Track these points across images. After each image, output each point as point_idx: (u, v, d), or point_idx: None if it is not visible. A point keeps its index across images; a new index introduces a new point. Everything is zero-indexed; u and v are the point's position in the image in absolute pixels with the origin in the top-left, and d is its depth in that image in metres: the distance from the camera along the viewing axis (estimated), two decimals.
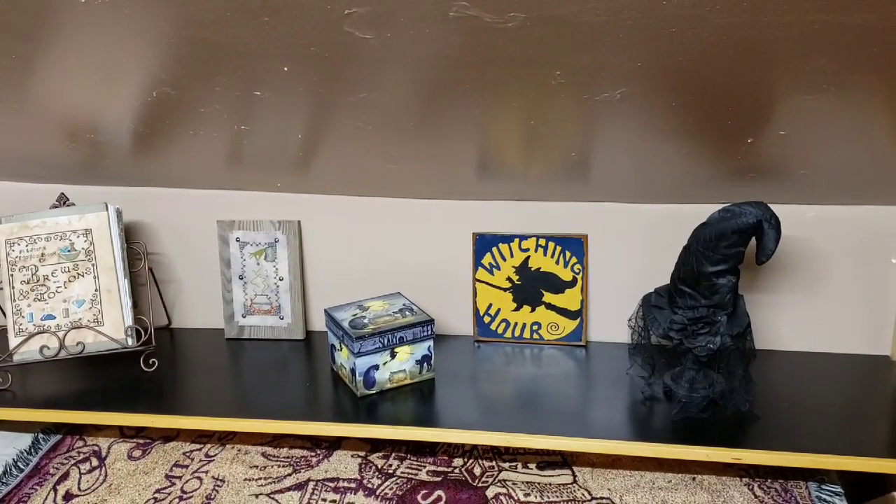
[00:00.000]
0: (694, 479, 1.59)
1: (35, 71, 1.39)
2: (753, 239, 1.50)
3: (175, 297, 2.02)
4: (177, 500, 1.59)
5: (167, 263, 1.98)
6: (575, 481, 1.62)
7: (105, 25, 1.20)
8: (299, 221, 1.92)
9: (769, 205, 1.47)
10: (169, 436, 1.80)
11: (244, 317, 1.95)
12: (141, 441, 1.79)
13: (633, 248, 1.82)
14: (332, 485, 1.62)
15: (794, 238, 1.72)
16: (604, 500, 1.56)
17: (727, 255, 1.49)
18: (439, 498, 1.58)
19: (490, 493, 1.58)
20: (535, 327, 1.88)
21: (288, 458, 1.72)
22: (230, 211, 1.92)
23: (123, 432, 1.82)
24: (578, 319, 1.85)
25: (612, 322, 1.85)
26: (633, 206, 1.80)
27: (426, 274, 1.90)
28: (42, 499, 1.62)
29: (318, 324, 1.98)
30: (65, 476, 1.69)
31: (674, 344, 1.59)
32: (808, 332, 1.82)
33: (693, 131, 1.42)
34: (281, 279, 1.93)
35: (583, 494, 1.58)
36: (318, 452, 1.73)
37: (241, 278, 1.93)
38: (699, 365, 1.59)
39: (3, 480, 1.67)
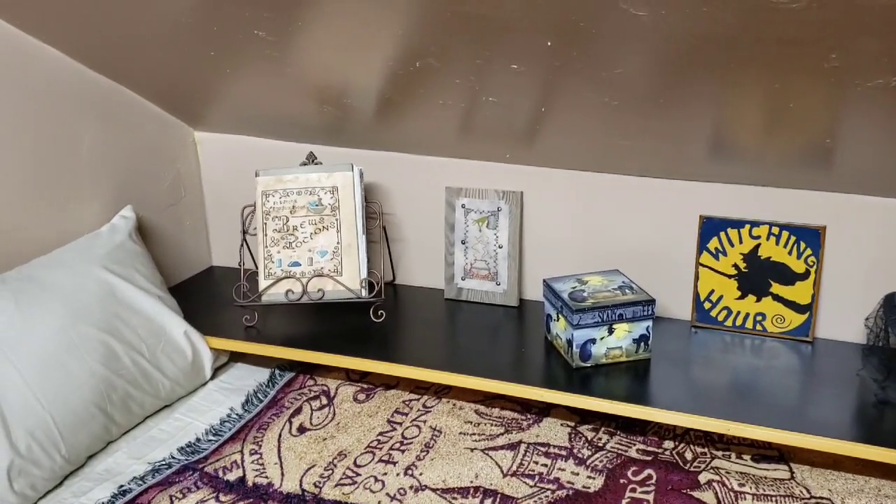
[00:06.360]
0: None
1: (310, 43, 1.52)
2: None
3: (401, 255, 2.14)
4: (398, 444, 1.71)
5: (396, 223, 2.10)
6: (792, 478, 1.57)
7: (392, 1, 1.29)
8: (522, 192, 1.97)
9: None
10: (389, 384, 1.93)
11: (463, 279, 2.04)
12: (365, 386, 1.93)
13: (875, 243, 1.72)
14: (543, 449, 1.68)
15: None
16: (824, 500, 1.50)
17: None
18: (649, 476, 1.59)
19: (702, 478, 1.58)
20: (758, 318, 1.82)
21: (500, 418, 1.79)
22: (458, 178, 2.00)
23: (349, 376, 1.97)
24: (807, 314, 1.78)
25: (845, 320, 1.76)
26: (879, 200, 1.69)
27: (645, 253, 1.89)
28: (279, 428, 1.79)
29: (531, 293, 2.03)
30: (298, 410, 1.85)
31: None
32: None
33: None
34: (500, 246, 1.99)
35: (801, 492, 1.53)
36: (528, 417, 1.79)
37: (464, 243, 2.02)
38: None
39: (246, 408, 1.86)
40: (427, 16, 1.31)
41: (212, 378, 1.93)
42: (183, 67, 1.79)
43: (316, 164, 1.94)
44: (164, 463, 1.65)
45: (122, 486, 1.58)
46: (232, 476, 1.62)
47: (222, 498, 1.56)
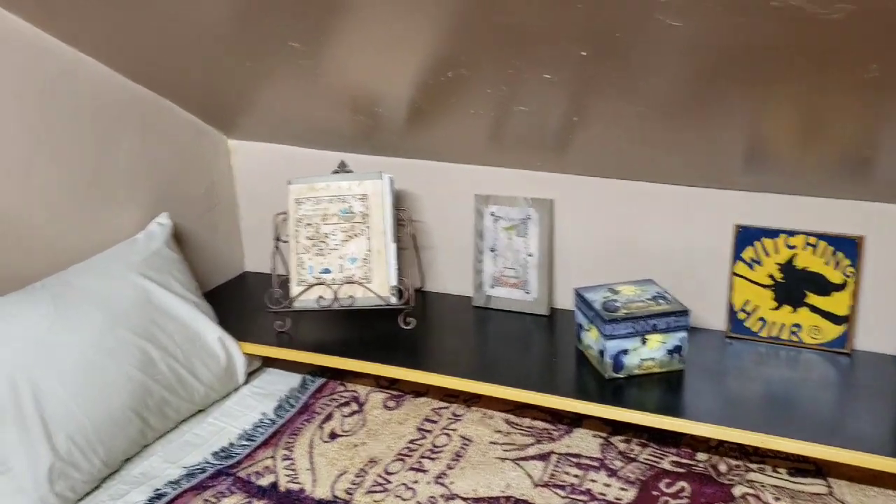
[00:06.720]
0: None
1: (343, 53, 1.53)
2: None
3: (429, 262, 2.14)
4: (429, 452, 1.71)
5: (425, 231, 2.11)
6: (830, 493, 1.55)
7: (424, 12, 1.29)
8: (552, 200, 1.96)
9: None
10: (419, 391, 1.93)
11: (492, 287, 2.04)
12: (394, 393, 1.94)
13: None
14: (574, 460, 1.67)
15: None
16: None
17: None
18: (682, 489, 1.57)
19: (736, 491, 1.56)
20: (794, 329, 1.80)
21: (530, 428, 1.78)
22: (487, 186, 2.00)
23: (379, 382, 1.98)
24: (844, 325, 1.75)
25: (884, 331, 1.73)
26: None
27: (678, 262, 1.88)
28: (311, 434, 1.80)
29: (562, 301, 2.02)
30: (329, 416, 1.86)
31: None
32: None
33: None
34: (530, 255, 1.99)
35: None
36: (560, 427, 1.78)
37: (493, 251, 2.02)
38: None
39: (278, 413, 1.88)
40: (460, 26, 1.31)
41: (245, 383, 1.95)
42: (218, 77, 1.81)
43: (347, 171, 1.95)
44: (198, 467, 1.67)
45: (157, 489, 1.60)
46: (265, 481, 1.63)
47: (255, 503, 1.57)
